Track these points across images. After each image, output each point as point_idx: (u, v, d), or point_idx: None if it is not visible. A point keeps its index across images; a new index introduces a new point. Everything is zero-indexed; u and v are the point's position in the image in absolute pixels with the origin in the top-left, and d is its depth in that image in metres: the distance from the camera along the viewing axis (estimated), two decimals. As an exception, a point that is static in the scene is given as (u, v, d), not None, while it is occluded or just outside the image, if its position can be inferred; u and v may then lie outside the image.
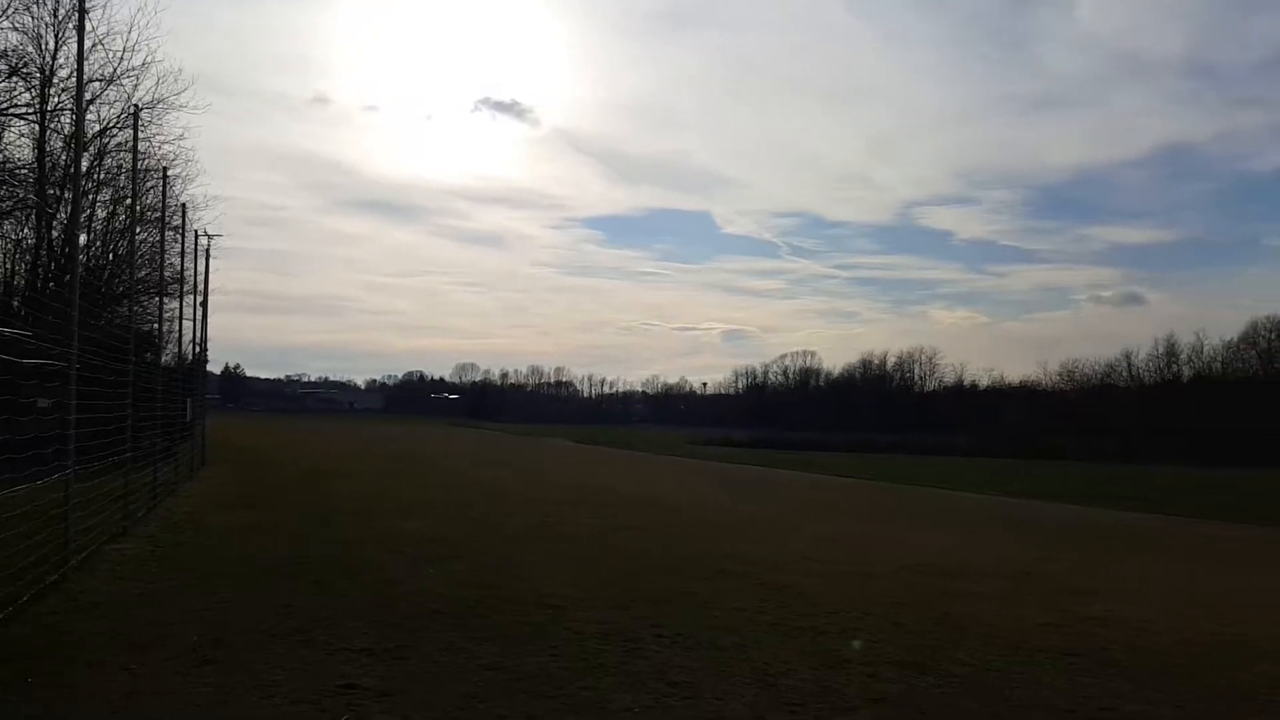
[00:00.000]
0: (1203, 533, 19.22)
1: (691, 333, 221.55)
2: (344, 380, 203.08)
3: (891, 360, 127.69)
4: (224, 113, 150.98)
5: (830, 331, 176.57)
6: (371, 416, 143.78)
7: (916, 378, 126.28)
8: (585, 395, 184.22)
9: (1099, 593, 10.64)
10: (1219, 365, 79.43)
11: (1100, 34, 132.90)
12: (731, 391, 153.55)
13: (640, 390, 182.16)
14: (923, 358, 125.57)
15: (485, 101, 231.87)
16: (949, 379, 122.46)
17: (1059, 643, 7.76)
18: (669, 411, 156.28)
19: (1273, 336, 76.21)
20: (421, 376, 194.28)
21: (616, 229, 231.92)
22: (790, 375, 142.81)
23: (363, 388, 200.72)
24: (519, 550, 12.02)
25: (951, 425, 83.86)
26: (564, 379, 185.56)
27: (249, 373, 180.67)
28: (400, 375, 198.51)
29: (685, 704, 5.63)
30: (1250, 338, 77.74)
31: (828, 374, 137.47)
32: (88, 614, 7.42)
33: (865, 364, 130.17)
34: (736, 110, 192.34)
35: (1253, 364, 77.35)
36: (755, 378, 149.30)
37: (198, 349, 25.01)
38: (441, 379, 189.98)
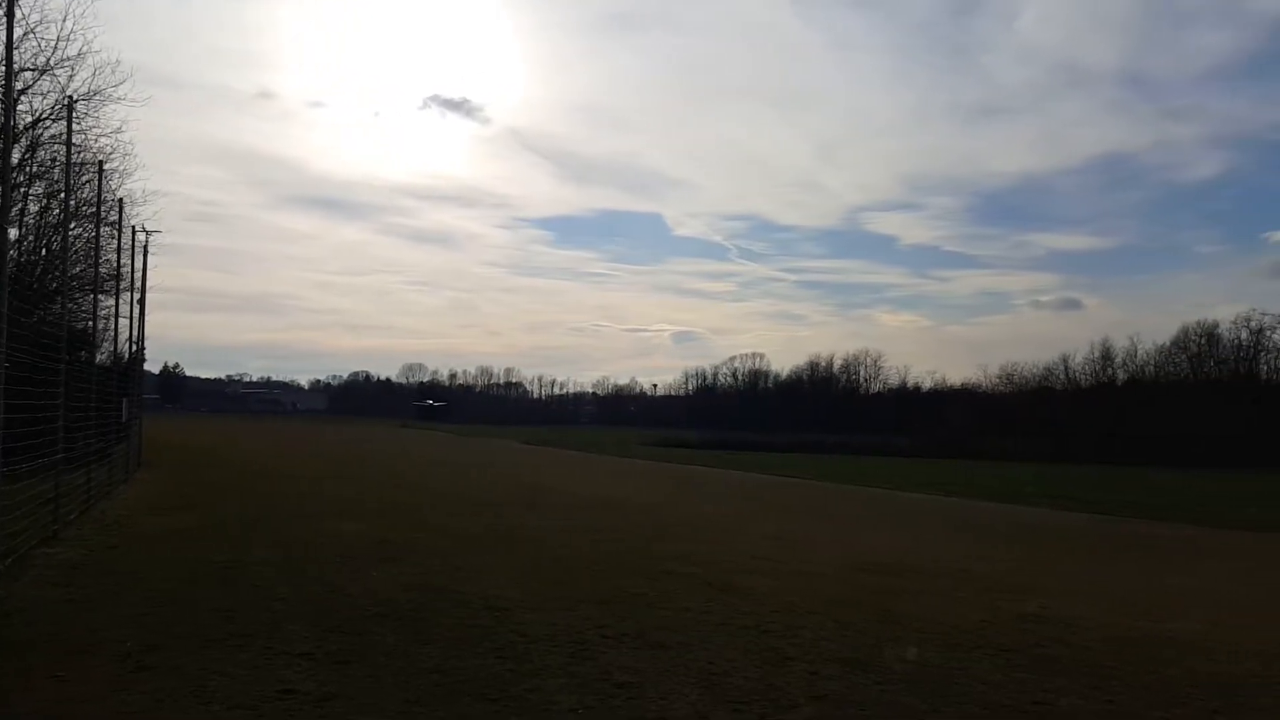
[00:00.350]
0: (1134, 531, 19.84)
1: (642, 334, 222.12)
2: (287, 380, 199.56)
3: (838, 362, 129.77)
4: (165, 106, 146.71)
5: (779, 334, 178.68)
6: (315, 417, 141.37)
7: (862, 380, 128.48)
8: (535, 396, 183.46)
9: (1034, 590, 10.92)
10: (1151, 369, 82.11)
11: (1041, 44, 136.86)
12: (682, 393, 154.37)
13: (591, 391, 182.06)
14: (868, 360, 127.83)
15: (435, 99, 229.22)
16: (893, 381, 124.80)
17: (996, 639, 7.95)
18: (619, 412, 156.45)
19: (1202, 341, 79.02)
20: (368, 377, 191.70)
21: (567, 229, 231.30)
22: (740, 377, 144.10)
23: (306, 388, 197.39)
24: (465, 552, 11.93)
25: (895, 426, 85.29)
26: (514, 380, 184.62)
27: (189, 372, 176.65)
28: (345, 375, 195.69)
29: (630, 704, 5.65)
30: (1181, 342, 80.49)
31: (776, 376, 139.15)
32: (15, 620, 7.18)
33: (813, 366, 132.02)
34: (687, 113, 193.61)
35: (1183, 368, 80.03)
36: (705, 379, 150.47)
37: (134, 348, 24.33)
38: (388, 379, 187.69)
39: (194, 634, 6.89)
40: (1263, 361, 77.01)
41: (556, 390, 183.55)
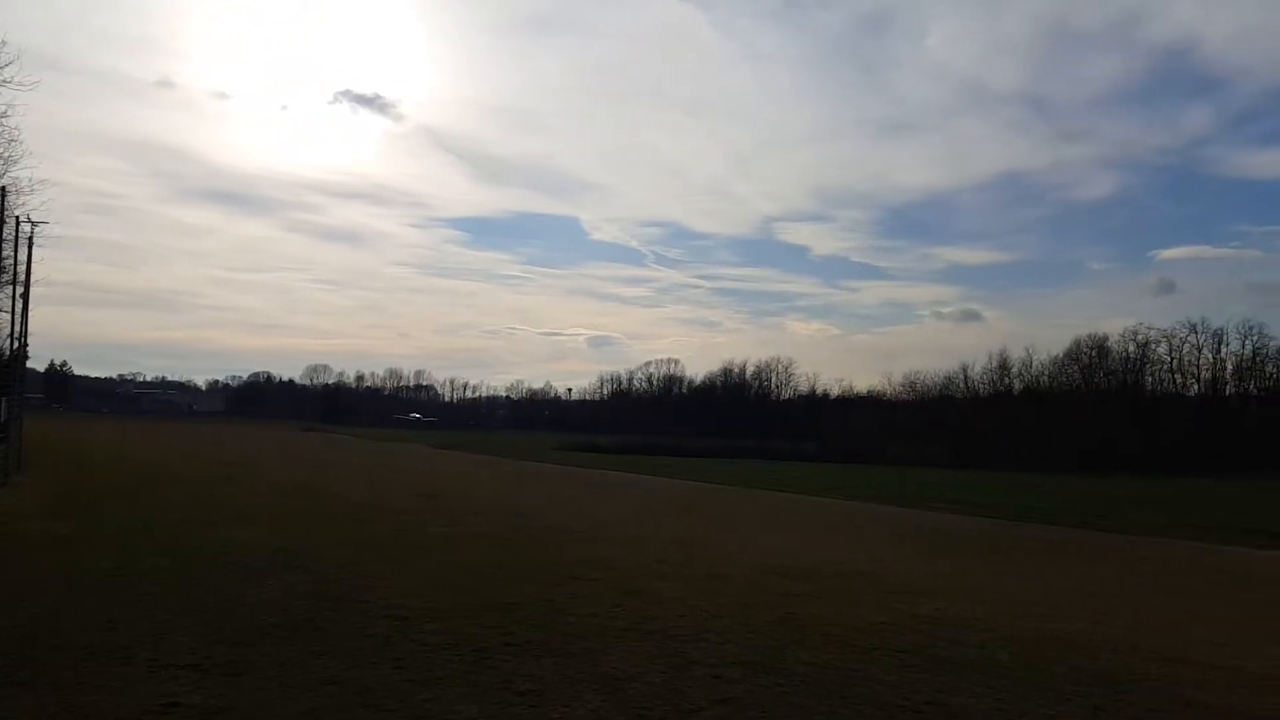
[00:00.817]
0: (1027, 535, 20.69)
1: (557, 338, 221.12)
2: (183, 380, 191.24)
3: (751, 369, 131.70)
4: (56, 92, 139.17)
5: (694, 340, 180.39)
6: (212, 419, 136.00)
7: (774, 386, 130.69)
8: (446, 399, 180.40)
9: (932, 592, 11.26)
10: (1046, 379, 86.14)
11: (947, 64, 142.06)
12: (597, 397, 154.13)
13: (504, 395, 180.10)
14: (780, 367, 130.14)
15: (346, 94, 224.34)
16: (803, 388, 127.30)
17: (893, 640, 8.17)
18: (533, 417, 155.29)
19: (1093, 354, 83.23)
20: (269, 378, 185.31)
21: (482, 230, 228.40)
22: (655, 382, 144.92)
23: (203, 389, 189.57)
24: (366, 560, 11.63)
25: (804, 432, 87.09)
26: (424, 382, 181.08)
27: (78, 371, 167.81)
28: (245, 376, 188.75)
29: (532, 712, 5.59)
30: (1074, 354, 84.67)
31: (691, 381, 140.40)
32: None
33: (726, 372, 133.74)
34: (604, 118, 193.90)
35: (1075, 378, 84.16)
36: (620, 384, 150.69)
37: (16, 344, 22.95)
38: (291, 380, 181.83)
39: (73, 646, 6.52)
40: (1148, 373, 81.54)
41: (469, 393, 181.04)
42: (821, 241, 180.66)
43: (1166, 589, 13.09)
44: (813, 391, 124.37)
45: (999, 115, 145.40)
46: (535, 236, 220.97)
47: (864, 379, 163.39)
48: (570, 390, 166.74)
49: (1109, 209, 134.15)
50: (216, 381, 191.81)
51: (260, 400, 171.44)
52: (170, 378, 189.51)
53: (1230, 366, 77.59)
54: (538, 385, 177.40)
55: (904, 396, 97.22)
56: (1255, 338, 76.22)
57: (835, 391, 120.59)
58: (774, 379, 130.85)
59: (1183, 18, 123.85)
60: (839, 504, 28.24)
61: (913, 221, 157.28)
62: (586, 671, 6.56)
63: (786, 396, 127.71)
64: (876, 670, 7.04)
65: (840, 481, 39.78)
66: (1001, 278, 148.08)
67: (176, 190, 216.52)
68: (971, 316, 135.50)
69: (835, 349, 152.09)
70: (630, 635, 7.81)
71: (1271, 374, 75.91)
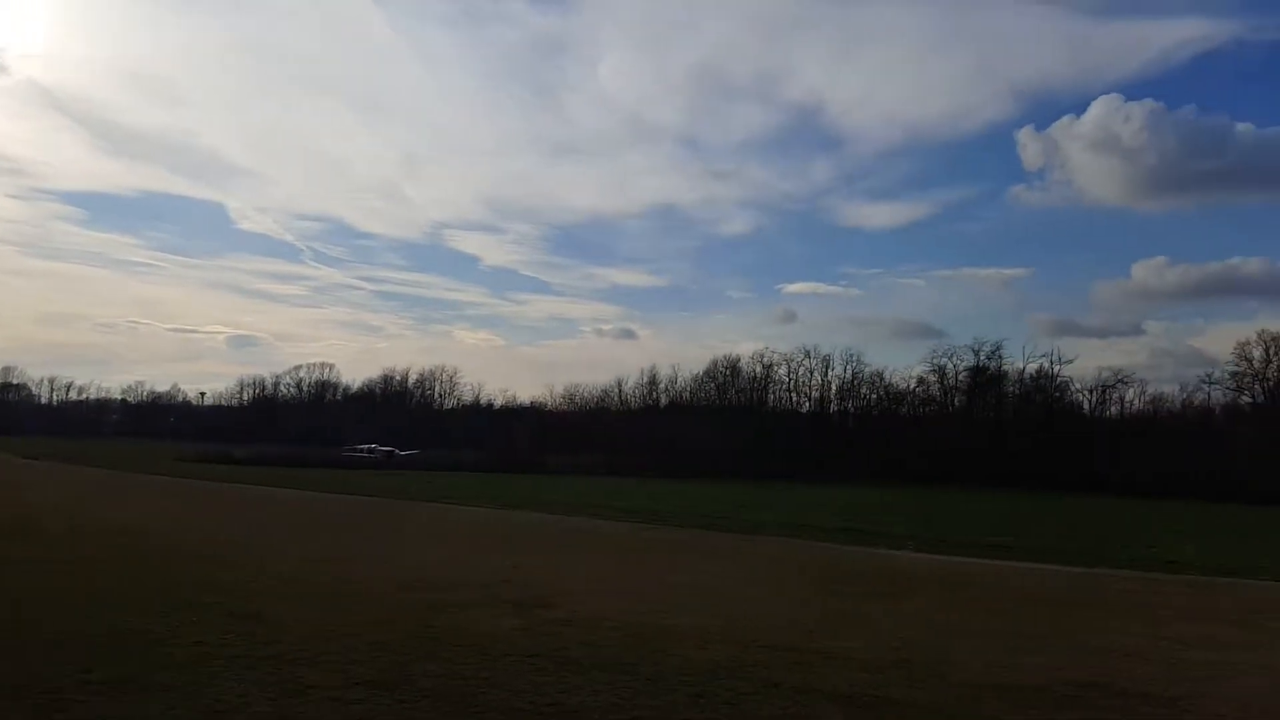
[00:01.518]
0: (658, 536, 22.26)
1: (191, 335, 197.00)
2: None
3: (414, 376, 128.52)
4: None
5: (353, 344, 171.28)
6: None
7: (437, 395, 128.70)
8: (45, 401, 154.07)
9: (568, 594, 11.66)
10: (688, 394, 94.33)
11: (616, 96, 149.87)
12: (235, 403, 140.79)
13: (119, 398, 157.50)
14: (444, 375, 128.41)
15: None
16: (468, 397, 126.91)
17: (525, 645, 8.31)
18: (155, 423, 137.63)
19: (727, 372, 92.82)
20: None
21: (103, 208, 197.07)
22: (305, 387, 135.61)
23: None
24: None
25: (467, 441, 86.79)
26: (14, 380, 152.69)
27: None
28: None
29: (103, 761, 4.87)
30: (711, 372, 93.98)
31: (347, 388, 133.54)
32: None
33: (387, 379, 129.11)
34: (259, 99, 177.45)
35: (712, 394, 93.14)
36: (264, 388, 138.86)
37: None
38: None
39: None
40: (771, 392, 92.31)
41: (75, 395, 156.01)
42: (492, 252, 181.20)
43: (768, 581, 14.73)
44: (477, 401, 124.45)
45: (659, 150, 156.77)
46: (169, 220, 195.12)
47: (527, 390, 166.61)
48: (204, 394, 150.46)
49: (747, 244, 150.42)
50: None
51: None
52: None
53: (835, 387, 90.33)
54: (163, 388, 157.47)
55: (564, 408, 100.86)
56: (855, 363, 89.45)
57: (499, 401, 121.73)
58: (438, 387, 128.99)
59: (814, 81, 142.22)
60: (493, 514, 28.41)
61: (579, 241, 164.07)
62: (184, 706, 5.90)
63: (450, 405, 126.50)
64: (504, 677, 7.10)
65: (497, 491, 40.10)
66: (655, 300, 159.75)
67: None
68: (628, 335, 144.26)
69: (501, 359, 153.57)
70: (240, 663, 7.14)
71: (866, 395, 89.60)
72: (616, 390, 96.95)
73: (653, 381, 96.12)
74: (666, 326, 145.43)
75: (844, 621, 10.77)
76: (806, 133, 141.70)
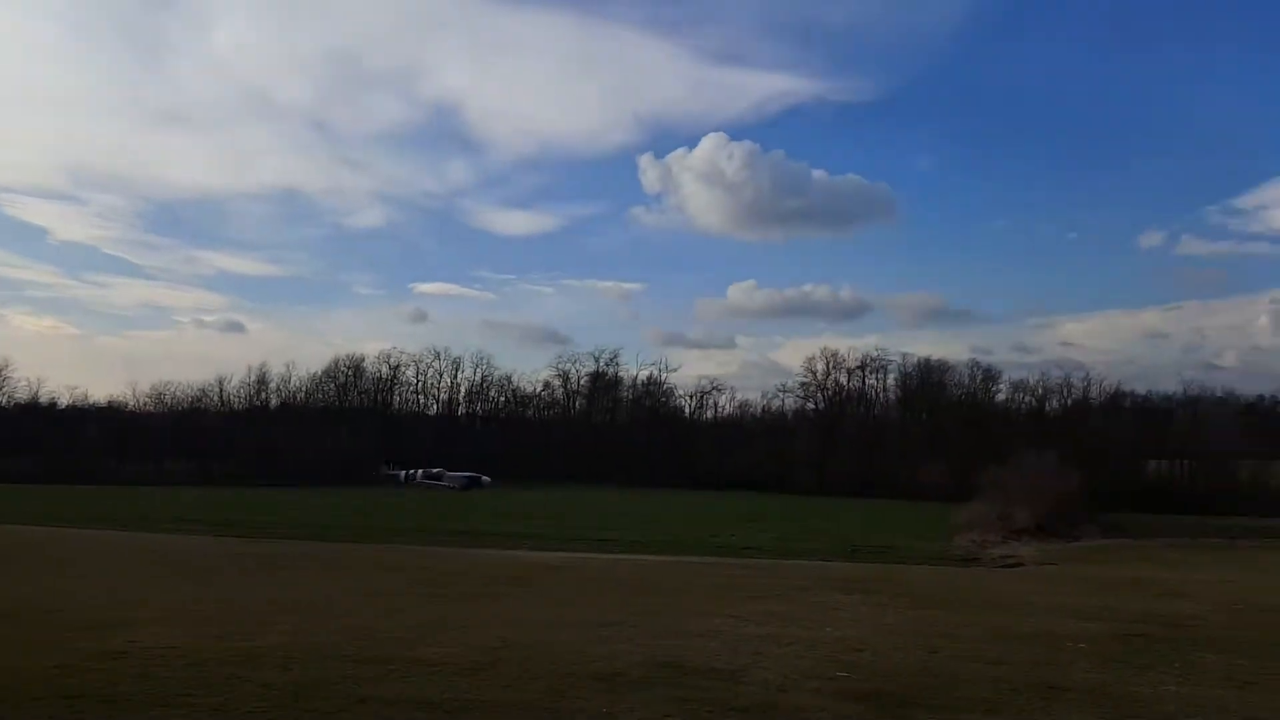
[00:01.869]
0: (256, 550, 20.45)
1: None
2: None
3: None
4: None
5: None
6: None
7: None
8: None
9: (127, 623, 10.12)
10: (304, 395, 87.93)
11: (233, 64, 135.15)
12: None
13: None
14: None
15: None
16: (23, 395, 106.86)
17: (65, 685, 7.02)
18: None
19: (350, 372, 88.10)
20: None
21: None
22: None
23: None
24: None
25: (18, 448, 73.18)
26: None
27: None
28: None
29: None
30: (332, 372, 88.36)
31: None
32: None
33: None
34: None
35: (332, 394, 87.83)
36: None
37: None
38: None
39: None
40: (397, 393, 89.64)
41: None
42: (68, 226, 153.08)
43: (372, 590, 14.13)
44: (35, 399, 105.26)
45: (285, 129, 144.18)
46: None
47: (105, 387, 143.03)
48: None
49: (379, 239, 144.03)
50: None
51: None
52: None
53: (464, 390, 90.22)
54: None
55: (150, 409, 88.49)
56: (485, 367, 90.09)
57: (66, 400, 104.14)
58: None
59: (454, 82, 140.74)
60: (51, 531, 24.14)
61: (182, 220, 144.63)
62: None
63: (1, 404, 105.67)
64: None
65: (51, 506, 34.20)
66: (270, 291, 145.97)
67: None
68: (235, 327, 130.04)
69: (72, 351, 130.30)
70: None
71: (494, 398, 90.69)
72: (217, 389, 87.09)
73: (262, 380, 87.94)
74: (282, 320, 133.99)
75: (445, 625, 10.61)
76: (446, 132, 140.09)
